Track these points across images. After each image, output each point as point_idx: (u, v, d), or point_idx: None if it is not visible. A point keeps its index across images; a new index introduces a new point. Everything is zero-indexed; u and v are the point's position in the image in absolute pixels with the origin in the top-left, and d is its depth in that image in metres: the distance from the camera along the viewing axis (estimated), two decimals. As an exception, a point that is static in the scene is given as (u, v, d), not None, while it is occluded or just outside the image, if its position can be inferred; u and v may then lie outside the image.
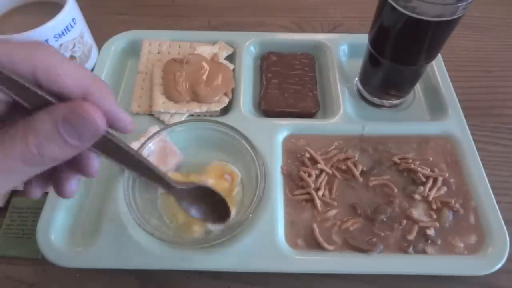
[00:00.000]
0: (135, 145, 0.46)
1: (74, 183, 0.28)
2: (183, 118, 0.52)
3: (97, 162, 0.28)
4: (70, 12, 0.49)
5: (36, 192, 0.27)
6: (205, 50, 0.57)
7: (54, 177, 0.27)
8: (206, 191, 0.39)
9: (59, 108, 0.21)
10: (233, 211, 0.43)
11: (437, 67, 0.58)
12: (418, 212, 0.44)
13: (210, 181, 0.44)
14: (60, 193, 0.28)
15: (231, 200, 0.44)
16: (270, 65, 0.58)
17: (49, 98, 0.22)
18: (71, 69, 0.23)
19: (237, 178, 0.46)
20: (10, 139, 0.21)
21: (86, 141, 0.22)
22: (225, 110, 0.53)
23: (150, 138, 0.45)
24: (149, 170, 0.31)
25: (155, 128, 0.48)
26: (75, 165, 0.27)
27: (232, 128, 0.46)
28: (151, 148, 0.46)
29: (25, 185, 0.27)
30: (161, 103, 0.52)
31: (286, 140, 0.51)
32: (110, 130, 0.26)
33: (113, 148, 0.27)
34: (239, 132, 0.46)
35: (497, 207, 0.44)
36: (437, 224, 0.43)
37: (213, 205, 0.39)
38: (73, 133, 0.21)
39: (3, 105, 0.23)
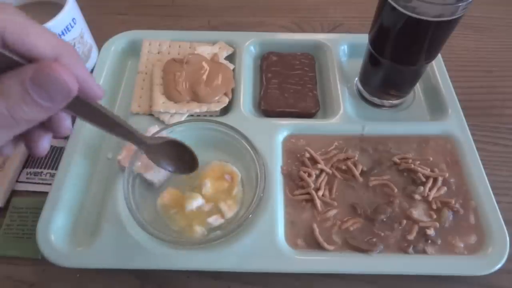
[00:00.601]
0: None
1: (46, 141, 0.27)
2: (183, 118, 0.52)
3: (68, 122, 0.27)
4: (70, 12, 0.49)
5: (6, 151, 0.26)
6: (205, 50, 0.57)
7: (25, 136, 0.26)
8: (175, 143, 0.41)
9: (27, 69, 0.20)
10: (233, 211, 0.43)
11: (437, 67, 0.58)
12: (418, 212, 0.44)
13: (208, 184, 0.44)
14: (33, 152, 0.27)
15: (232, 199, 0.44)
16: (270, 65, 0.58)
17: (17, 59, 0.21)
18: (42, 31, 0.22)
19: (237, 178, 0.46)
20: None
21: (58, 102, 0.22)
22: (225, 110, 0.53)
23: (150, 138, 0.45)
24: (121, 127, 0.32)
25: (155, 128, 0.48)
26: (47, 125, 0.26)
27: (232, 128, 0.46)
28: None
29: None
30: (161, 103, 0.52)
31: (286, 140, 0.51)
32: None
33: (85, 109, 0.26)
34: (239, 132, 0.46)
35: (497, 207, 0.44)
36: (437, 224, 0.43)
37: (183, 157, 0.42)
38: (43, 93, 0.21)
39: None
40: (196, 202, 0.43)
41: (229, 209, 0.43)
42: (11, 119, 0.21)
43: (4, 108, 0.20)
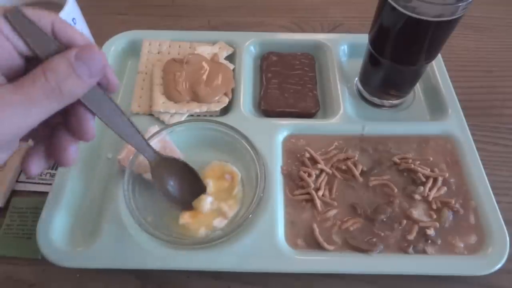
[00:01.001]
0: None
1: (74, 150, 0.29)
2: (183, 118, 0.52)
3: (93, 125, 0.29)
4: (70, 12, 0.49)
5: (35, 169, 0.29)
6: (205, 50, 0.57)
7: (53, 148, 0.29)
8: (182, 166, 0.43)
9: (71, 50, 0.25)
10: (234, 210, 0.43)
11: (437, 67, 0.58)
12: (418, 212, 0.44)
13: (210, 183, 0.44)
14: (62, 161, 0.29)
15: (232, 199, 0.44)
16: (270, 65, 0.58)
17: (62, 45, 0.26)
18: (75, 28, 0.27)
19: (237, 177, 0.46)
20: (32, 77, 0.24)
21: (95, 75, 0.26)
22: (225, 110, 0.53)
23: (150, 138, 0.45)
24: (137, 133, 0.35)
25: (155, 128, 0.48)
26: (73, 129, 0.29)
27: (232, 128, 0.46)
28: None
29: (24, 163, 0.28)
30: (161, 103, 0.52)
31: (286, 140, 0.51)
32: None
33: (106, 107, 0.30)
34: (239, 132, 0.46)
35: (497, 207, 0.44)
36: (437, 224, 0.43)
37: (189, 182, 0.43)
38: (84, 67, 0.25)
39: (21, 60, 0.25)
40: (208, 201, 0.43)
41: (230, 209, 0.43)
42: (57, 90, 0.24)
43: (54, 81, 0.24)
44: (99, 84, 0.28)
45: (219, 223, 0.42)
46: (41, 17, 0.25)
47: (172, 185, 0.42)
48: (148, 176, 0.44)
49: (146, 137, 0.46)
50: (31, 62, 0.26)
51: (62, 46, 0.26)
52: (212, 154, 0.48)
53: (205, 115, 0.53)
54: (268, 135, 0.50)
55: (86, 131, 0.29)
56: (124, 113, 0.33)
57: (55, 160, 0.30)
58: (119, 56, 0.59)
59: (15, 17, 0.24)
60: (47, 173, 0.49)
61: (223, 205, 0.43)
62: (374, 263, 0.41)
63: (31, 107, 0.24)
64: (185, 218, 0.42)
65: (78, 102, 0.27)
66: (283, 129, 0.51)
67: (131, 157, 0.43)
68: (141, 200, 0.43)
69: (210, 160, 0.47)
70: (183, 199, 0.43)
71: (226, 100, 0.53)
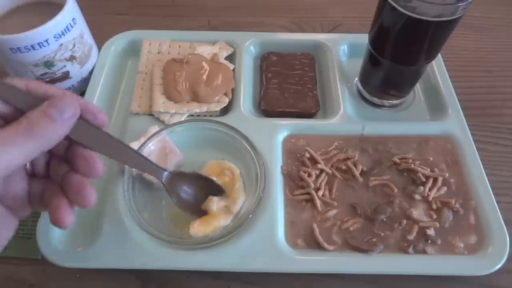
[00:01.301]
0: (135, 145, 0.46)
1: (70, 214, 0.30)
2: (183, 118, 0.52)
3: (99, 163, 0.31)
4: (70, 12, 0.49)
5: (68, 218, 0.30)
6: (205, 50, 0.57)
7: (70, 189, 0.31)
8: (195, 176, 0.43)
9: (45, 102, 0.28)
10: (240, 204, 0.44)
11: (437, 67, 0.58)
12: (418, 212, 0.44)
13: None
14: (58, 219, 0.30)
15: (235, 194, 0.44)
16: (270, 65, 0.58)
17: (38, 99, 0.29)
18: (49, 85, 0.31)
19: (237, 172, 0.46)
20: (14, 124, 0.27)
21: (68, 116, 0.28)
22: (225, 110, 0.53)
23: (150, 138, 0.45)
24: (136, 156, 0.37)
25: (155, 128, 0.48)
26: (81, 169, 0.31)
27: (232, 128, 0.46)
28: (151, 148, 0.46)
29: (54, 216, 0.30)
30: (161, 103, 0.52)
31: (286, 140, 0.51)
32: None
33: (103, 141, 0.33)
34: (239, 132, 0.46)
35: (497, 207, 0.44)
36: (437, 224, 0.43)
37: (205, 189, 0.43)
38: (54, 110, 0.28)
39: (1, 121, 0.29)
40: (215, 201, 0.43)
41: (235, 203, 0.43)
42: (31, 131, 0.26)
43: (26, 123, 0.27)
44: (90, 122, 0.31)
45: (225, 221, 0.42)
46: (16, 82, 0.29)
47: (188, 195, 0.43)
48: (148, 176, 0.44)
49: (146, 137, 0.46)
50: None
51: (40, 101, 0.29)
52: (212, 154, 0.48)
53: (205, 115, 0.53)
54: (268, 135, 0.50)
55: (93, 168, 0.31)
56: (124, 142, 0.35)
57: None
58: (119, 56, 0.59)
59: None
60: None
61: (228, 201, 0.43)
62: (374, 263, 0.41)
63: (6, 147, 0.25)
64: (195, 228, 0.41)
65: (76, 143, 0.31)
66: (283, 129, 0.51)
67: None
68: (141, 200, 0.43)
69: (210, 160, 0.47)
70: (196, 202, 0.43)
71: (226, 100, 0.53)
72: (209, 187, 0.43)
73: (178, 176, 0.42)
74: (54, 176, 0.32)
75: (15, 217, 0.31)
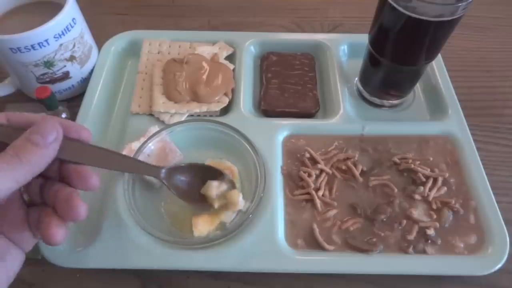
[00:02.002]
0: (135, 145, 0.46)
1: (60, 229, 0.30)
2: (183, 118, 0.52)
3: (94, 175, 0.32)
4: (70, 12, 0.49)
5: (60, 235, 0.30)
6: (205, 50, 0.57)
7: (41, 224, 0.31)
8: (190, 166, 0.44)
9: (26, 131, 0.30)
10: (242, 202, 0.43)
11: (437, 67, 0.58)
12: (418, 212, 0.44)
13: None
14: (47, 239, 0.30)
15: (234, 193, 0.44)
16: (270, 65, 0.58)
17: (21, 129, 0.30)
18: (28, 114, 0.32)
19: (236, 171, 0.46)
20: (2, 154, 0.28)
21: (50, 140, 0.29)
22: (225, 110, 0.53)
23: (150, 138, 0.45)
24: (129, 160, 0.38)
25: (155, 128, 0.48)
26: (78, 184, 0.32)
27: (232, 128, 0.46)
28: (151, 148, 0.46)
29: (45, 231, 0.30)
30: (161, 103, 0.52)
31: (286, 140, 0.51)
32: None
33: (94, 155, 0.34)
34: (239, 132, 0.46)
35: (497, 207, 0.44)
36: (437, 224, 0.43)
37: (202, 176, 0.43)
38: (37, 136, 0.29)
39: None
40: (214, 185, 0.42)
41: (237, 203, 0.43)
42: (18, 158, 0.28)
43: (12, 152, 0.28)
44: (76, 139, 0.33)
45: (228, 218, 0.42)
46: None
47: (188, 185, 0.43)
48: (148, 176, 0.44)
49: (146, 136, 0.46)
50: None
51: (22, 130, 0.30)
52: (212, 154, 0.48)
53: (205, 115, 0.53)
54: (268, 135, 0.50)
55: (88, 182, 0.32)
56: (116, 151, 0.36)
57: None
58: (119, 56, 0.59)
59: None
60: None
61: (228, 200, 0.43)
62: (374, 263, 0.41)
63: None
64: (199, 228, 0.41)
65: (67, 161, 0.32)
66: (283, 129, 0.51)
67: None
68: (141, 200, 0.43)
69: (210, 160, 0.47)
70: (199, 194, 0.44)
71: (226, 100, 0.53)
72: (208, 173, 0.44)
73: (175, 169, 0.42)
74: (47, 199, 0.33)
75: (19, 250, 0.31)
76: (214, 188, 0.42)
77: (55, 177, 0.33)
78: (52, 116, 0.32)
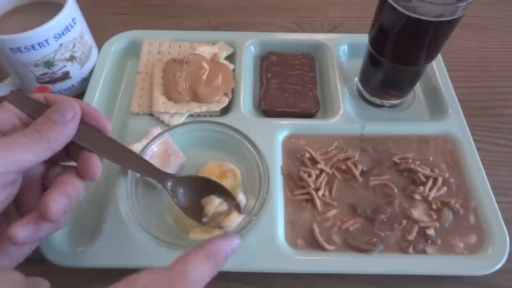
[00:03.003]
0: (137, 147, 0.46)
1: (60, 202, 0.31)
2: (183, 118, 0.52)
3: (100, 169, 0.33)
4: (70, 12, 0.49)
5: (23, 234, 0.30)
6: (205, 50, 0.57)
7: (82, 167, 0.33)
8: (201, 180, 0.43)
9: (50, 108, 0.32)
10: (248, 203, 0.44)
11: (437, 67, 0.58)
12: (418, 212, 0.44)
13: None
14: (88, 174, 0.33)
15: (242, 193, 0.44)
16: (270, 65, 0.58)
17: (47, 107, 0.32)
18: (62, 96, 0.35)
19: (238, 173, 0.46)
20: (25, 129, 0.30)
21: (68, 119, 0.31)
22: (225, 110, 0.53)
23: (152, 139, 0.45)
24: (141, 161, 0.39)
25: (157, 130, 0.48)
26: (81, 170, 0.33)
27: (235, 130, 0.46)
28: (154, 150, 0.46)
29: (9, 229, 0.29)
30: (161, 103, 0.52)
31: (286, 140, 0.51)
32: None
33: (107, 146, 0.35)
34: (243, 133, 0.46)
35: (497, 207, 0.44)
36: (437, 224, 0.43)
37: (208, 191, 0.42)
38: (56, 115, 0.31)
39: (22, 125, 0.32)
40: (217, 202, 0.42)
41: (244, 202, 0.43)
42: (38, 135, 0.30)
43: (33, 128, 0.30)
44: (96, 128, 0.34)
45: (235, 221, 0.41)
46: (35, 95, 0.33)
47: (191, 201, 0.42)
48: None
49: (148, 138, 0.46)
50: None
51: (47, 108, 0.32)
52: (214, 155, 0.48)
53: (205, 115, 0.53)
54: (268, 135, 0.50)
55: (92, 170, 0.33)
56: (128, 148, 0.37)
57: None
58: (119, 56, 0.59)
59: (13, 98, 0.32)
60: (47, 173, 0.49)
61: (231, 204, 0.43)
62: (374, 263, 0.41)
63: (18, 147, 0.29)
64: (196, 232, 0.41)
65: (81, 147, 0.33)
66: (283, 129, 0.51)
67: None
68: (144, 202, 0.43)
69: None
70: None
71: (226, 100, 0.53)
72: (214, 189, 0.43)
73: (183, 180, 0.42)
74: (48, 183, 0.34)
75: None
76: (215, 204, 0.41)
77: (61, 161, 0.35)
78: (76, 99, 0.33)
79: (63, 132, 0.31)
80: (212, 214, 0.41)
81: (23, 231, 0.29)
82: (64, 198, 0.30)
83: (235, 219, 0.41)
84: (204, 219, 0.41)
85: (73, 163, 0.35)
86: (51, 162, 0.34)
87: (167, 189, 0.40)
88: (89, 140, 0.33)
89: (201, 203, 0.42)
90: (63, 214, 0.30)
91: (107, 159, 0.35)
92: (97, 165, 0.33)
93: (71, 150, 0.35)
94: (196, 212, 0.42)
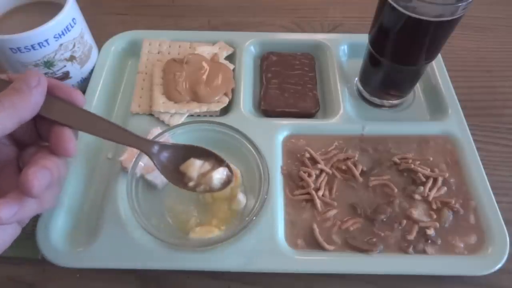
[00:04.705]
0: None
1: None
2: (183, 118, 0.52)
3: (75, 143, 0.32)
4: (70, 12, 0.49)
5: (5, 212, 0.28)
6: (205, 50, 0.57)
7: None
8: (187, 147, 0.40)
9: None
10: (241, 205, 0.44)
11: (437, 67, 0.58)
12: (418, 212, 0.44)
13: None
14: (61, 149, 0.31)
15: (237, 196, 0.44)
16: (270, 65, 0.58)
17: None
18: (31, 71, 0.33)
19: (238, 174, 0.46)
20: None
21: (33, 84, 0.30)
22: (225, 110, 0.53)
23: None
24: (120, 130, 0.35)
25: (157, 130, 0.48)
26: (54, 147, 0.31)
27: (235, 130, 0.46)
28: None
29: None
30: (161, 103, 0.52)
31: (286, 140, 0.51)
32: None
33: (81, 118, 0.33)
34: (243, 134, 0.46)
35: (497, 207, 0.44)
36: (437, 224, 0.43)
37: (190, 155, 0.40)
38: (21, 82, 0.30)
39: None
40: (198, 165, 0.40)
41: (240, 205, 0.44)
42: (1, 106, 0.28)
43: (12, 88, 0.29)
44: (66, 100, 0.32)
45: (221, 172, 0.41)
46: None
47: (174, 164, 0.40)
48: (150, 176, 0.44)
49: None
50: None
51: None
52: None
53: (205, 115, 0.53)
54: (268, 135, 0.50)
55: (64, 145, 0.31)
56: (107, 119, 0.34)
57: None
58: (119, 56, 0.59)
59: None
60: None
61: (233, 203, 0.43)
62: (374, 263, 0.41)
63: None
64: (196, 232, 0.41)
65: (52, 121, 0.31)
66: (283, 129, 0.51)
67: (133, 159, 0.43)
68: (144, 202, 0.43)
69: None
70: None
71: (226, 100, 0.53)
72: (196, 153, 0.40)
73: (168, 147, 0.39)
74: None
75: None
76: (195, 166, 0.39)
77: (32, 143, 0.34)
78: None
79: (28, 99, 0.29)
80: (197, 177, 0.39)
81: (5, 210, 0.28)
82: (43, 170, 0.29)
83: (221, 172, 0.40)
84: (190, 184, 0.39)
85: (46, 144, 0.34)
86: (23, 145, 0.34)
87: (151, 156, 0.38)
88: (59, 112, 0.32)
89: (180, 169, 0.40)
90: (45, 188, 0.29)
91: (82, 131, 0.33)
92: (70, 139, 0.31)
93: (42, 130, 0.33)
94: (181, 179, 0.40)
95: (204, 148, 0.41)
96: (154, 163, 0.38)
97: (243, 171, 0.47)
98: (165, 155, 0.39)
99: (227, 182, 0.40)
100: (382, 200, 0.45)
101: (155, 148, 0.38)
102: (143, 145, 0.37)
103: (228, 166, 0.41)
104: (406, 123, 0.52)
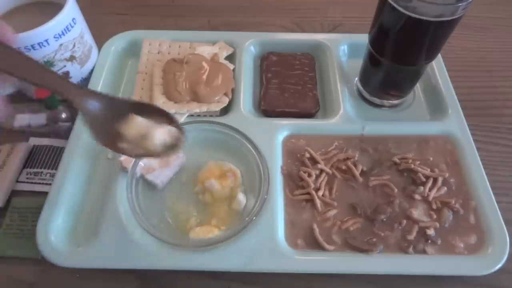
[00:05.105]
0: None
1: None
2: (183, 118, 0.52)
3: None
4: (70, 12, 0.49)
5: None
6: (205, 50, 0.57)
7: None
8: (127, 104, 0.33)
9: None
10: (241, 206, 0.44)
11: (437, 67, 0.58)
12: (418, 212, 0.44)
13: (215, 185, 0.44)
14: None
15: (242, 193, 0.44)
16: (270, 65, 0.58)
17: None
18: None
19: (239, 174, 0.46)
20: None
21: None
22: (225, 110, 0.53)
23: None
24: (45, 71, 0.31)
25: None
26: None
27: (235, 130, 0.46)
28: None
29: None
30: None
31: (286, 140, 0.51)
32: None
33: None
34: (242, 134, 0.46)
35: (497, 207, 0.44)
36: (437, 224, 0.43)
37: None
38: None
39: None
40: (141, 121, 0.34)
41: (241, 205, 0.44)
42: None
43: None
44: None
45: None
46: None
47: (107, 119, 0.33)
48: (150, 176, 0.44)
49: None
50: None
51: None
52: (214, 155, 0.48)
53: (205, 115, 0.53)
54: (268, 135, 0.50)
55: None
56: (34, 59, 0.31)
57: None
58: (119, 56, 0.59)
59: None
60: (47, 173, 0.49)
61: (233, 203, 0.43)
62: (374, 263, 0.41)
63: None
64: (196, 232, 0.41)
65: None
66: (283, 129, 0.51)
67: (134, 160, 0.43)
68: (144, 202, 0.43)
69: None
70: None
71: (226, 100, 0.53)
72: (141, 110, 0.35)
73: (101, 97, 0.33)
74: None
75: None
76: (134, 125, 0.33)
77: None
78: None
79: None
80: (134, 137, 0.33)
81: None
82: None
83: (165, 132, 0.34)
84: (123, 146, 0.33)
85: None
86: None
87: (76, 102, 0.31)
88: None
89: (115, 128, 0.34)
90: None
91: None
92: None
93: None
94: (114, 140, 0.34)
95: (152, 105, 0.33)
96: (80, 114, 0.31)
97: (243, 171, 0.47)
98: (96, 105, 0.32)
99: (174, 146, 0.33)
100: (382, 200, 0.45)
101: (84, 95, 0.31)
102: (66, 87, 0.30)
103: (178, 127, 0.34)
104: (406, 123, 0.52)
